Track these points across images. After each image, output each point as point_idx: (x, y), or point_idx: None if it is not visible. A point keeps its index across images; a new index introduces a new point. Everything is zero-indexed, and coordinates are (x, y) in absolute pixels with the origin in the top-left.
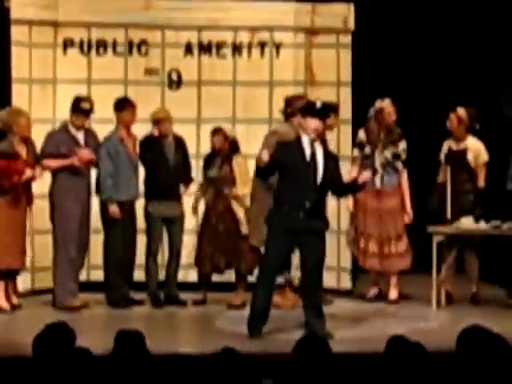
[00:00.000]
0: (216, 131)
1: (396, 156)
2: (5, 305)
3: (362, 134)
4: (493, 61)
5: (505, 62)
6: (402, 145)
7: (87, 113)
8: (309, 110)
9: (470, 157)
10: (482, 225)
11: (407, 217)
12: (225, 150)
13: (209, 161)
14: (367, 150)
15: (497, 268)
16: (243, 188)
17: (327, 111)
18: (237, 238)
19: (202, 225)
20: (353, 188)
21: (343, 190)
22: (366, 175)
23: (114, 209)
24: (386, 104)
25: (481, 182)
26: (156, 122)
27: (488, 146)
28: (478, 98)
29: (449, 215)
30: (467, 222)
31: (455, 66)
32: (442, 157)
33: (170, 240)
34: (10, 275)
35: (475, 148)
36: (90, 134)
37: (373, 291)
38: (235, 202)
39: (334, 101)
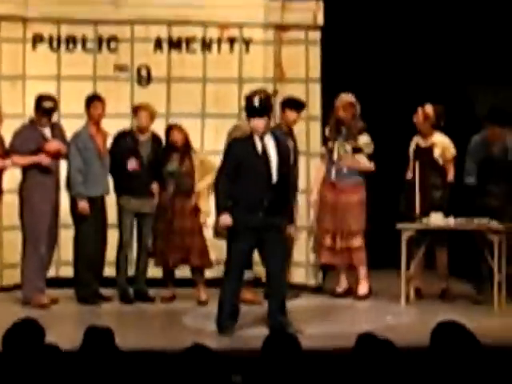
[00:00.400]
0: (175, 126)
1: (356, 150)
2: None
3: (326, 130)
4: (464, 55)
5: (476, 56)
6: (363, 139)
7: (49, 112)
8: (249, 109)
9: (436, 153)
10: (451, 220)
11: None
12: (183, 145)
13: (164, 156)
14: (330, 144)
15: (466, 264)
16: (203, 183)
17: (267, 108)
18: (191, 235)
19: (157, 220)
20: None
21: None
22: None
23: (83, 205)
24: (338, 99)
25: (450, 177)
26: (134, 110)
27: (459, 141)
28: (449, 93)
29: (418, 211)
30: (436, 218)
31: (426, 61)
32: (410, 153)
33: (139, 235)
34: None
35: (442, 144)
36: (56, 128)
37: (341, 287)
38: (197, 197)
39: (301, 97)
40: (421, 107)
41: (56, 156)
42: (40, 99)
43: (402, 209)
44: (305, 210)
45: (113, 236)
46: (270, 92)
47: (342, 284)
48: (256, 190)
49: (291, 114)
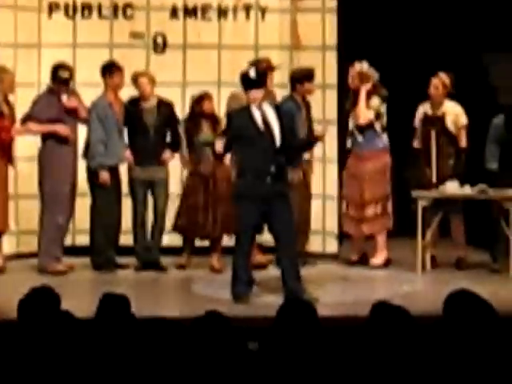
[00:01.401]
0: (206, 95)
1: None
2: None
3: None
4: (479, 22)
5: (490, 23)
6: (374, 101)
7: (66, 81)
8: (244, 81)
9: (448, 121)
10: (467, 189)
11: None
12: (213, 113)
13: (193, 125)
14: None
15: (482, 232)
16: None
17: (262, 78)
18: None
19: (192, 191)
20: (307, 143)
21: (301, 144)
22: (320, 130)
23: (104, 175)
24: (350, 67)
25: (462, 144)
26: (133, 80)
27: (473, 110)
28: (463, 61)
29: (434, 179)
30: (452, 187)
31: (441, 28)
32: (417, 122)
33: (154, 204)
34: None
35: (454, 112)
36: (73, 96)
37: (355, 255)
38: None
39: (317, 65)
40: (435, 77)
41: (73, 115)
42: (56, 69)
43: (408, 176)
44: (320, 177)
45: (127, 205)
46: (273, 63)
47: (357, 252)
48: (261, 158)
49: (310, 85)
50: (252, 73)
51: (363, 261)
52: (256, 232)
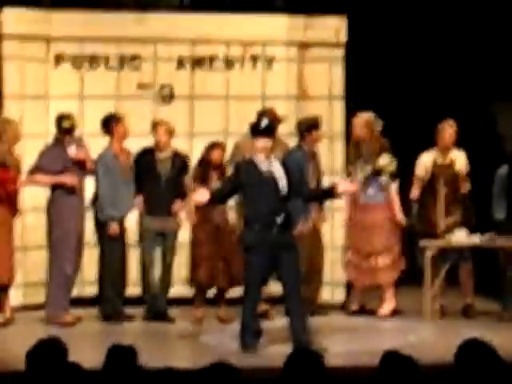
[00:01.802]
0: (217, 145)
1: (378, 171)
2: None
3: (342, 148)
4: (488, 71)
5: (500, 72)
6: (382, 159)
7: (69, 131)
8: (254, 130)
9: (457, 168)
10: (475, 238)
11: (399, 223)
12: (222, 163)
13: (203, 174)
14: (351, 166)
15: (491, 280)
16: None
17: (273, 129)
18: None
19: (205, 240)
20: (328, 193)
21: (314, 194)
22: (349, 186)
23: (114, 227)
24: (356, 117)
25: (465, 189)
26: (153, 127)
27: (480, 158)
28: (471, 109)
29: (442, 228)
30: (460, 235)
31: (449, 78)
32: (422, 171)
33: (162, 255)
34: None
35: (460, 159)
36: (80, 146)
37: (354, 305)
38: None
39: (324, 114)
40: (447, 125)
41: (81, 166)
42: (59, 119)
43: (417, 227)
44: (329, 228)
45: (135, 255)
46: (279, 114)
47: (356, 303)
48: (268, 208)
49: (317, 134)
50: (264, 122)
51: (363, 311)
52: (263, 283)
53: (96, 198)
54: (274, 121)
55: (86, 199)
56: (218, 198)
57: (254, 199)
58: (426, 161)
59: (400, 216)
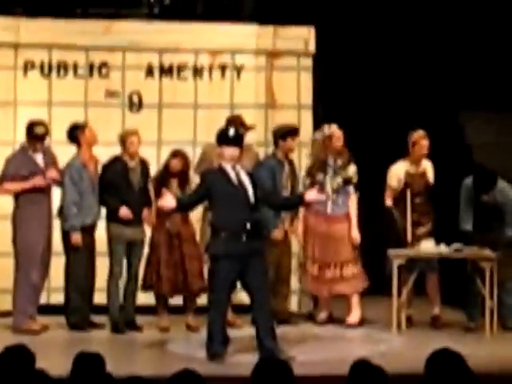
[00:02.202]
0: (177, 153)
1: (347, 181)
2: None
3: (309, 161)
4: (456, 80)
5: (467, 81)
6: (352, 168)
7: (41, 138)
8: (222, 138)
9: (430, 178)
10: (443, 248)
11: (354, 240)
12: (182, 171)
13: (163, 182)
14: (320, 176)
15: (457, 291)
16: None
17: (241, 137)
18: (198, 260)
19: (158, 246)
20: (296, 202)
21: (282, 203)
22: (316, 196)
23: (76, 237)
24: (334, 129)
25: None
26: (122, 138)
27: (448, 168)
28: (439, 119)
29: (409, 238)
30: (428, 245)
31: (416, 88)
32: (395, 181)
33: (128, 263)
34: None
35: (430, 169)
36: (48, 155)
37: (323, 314)
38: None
39: (294, 123)
40: (420, 136)
41: (50, 184)
42: (31, 125)
43: (388, 235)
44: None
45: (103, 264)
46: (247, 122)
47: (324, 312)
48: (236, 216)
49: (292, 143)
50: (231, 132)
51: (331, 320)
52: (230, 292)
53: (62, 207)
54: (243, 129)
55: (53, 207)
56: (185, 206)
57: (222, 208)
58: (398, 170)
59: (355, 232)
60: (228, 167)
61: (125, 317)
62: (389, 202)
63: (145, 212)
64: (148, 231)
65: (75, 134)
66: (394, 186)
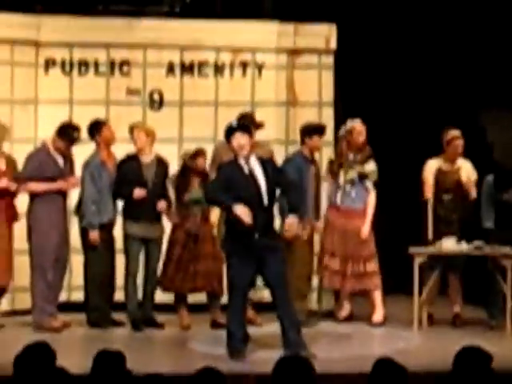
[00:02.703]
0: (202, 152)
1: (362, 176)
2: None
3: (332, 155)
4: (476, 80)
5: (488, 81)
6: (370, 165)
7: (75, 142)
8: (228, 132)
9: (463, 176)
10: (464, 245)
11: (362, 234)
12: (204, 170)
13: (185, 182)
14: (335, 168)
15: (479, 289)
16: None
17: (246, 126)
18: (216, 261)
19: (176, 244)
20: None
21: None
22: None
23: (94, 235)
24: (356, 124)
25: (472, 196)
26: (130, 131)
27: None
28: (460, 117)
29: (430, 236)
30: (449, 243)
31: (438, 86)
32: (427, 175)
33: (146, 261)
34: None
35: (466, 167)
36: (67, 156)
37: (344, 312)
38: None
39: (314, 121)
40: (455, 136)
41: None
42: (68, 128)
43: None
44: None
45: (121, 261)
46: (257, 119)
47: (345, 309)
48: (249, 211)
49: (318, 141)
50: (234, 122)
51: (349, 318)
52: (248, 289)
53: (80, 204)
54: (251, 123)
55: (69, 205)
56: (211, 196)
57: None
58: (431, 167)
59: (366, 228)
60: (242, 161)
61: (143, 314)
62: (428, 194)
63: (161, 203)
64: (168, 229)
65: (94, 130)
66: (429, 179)
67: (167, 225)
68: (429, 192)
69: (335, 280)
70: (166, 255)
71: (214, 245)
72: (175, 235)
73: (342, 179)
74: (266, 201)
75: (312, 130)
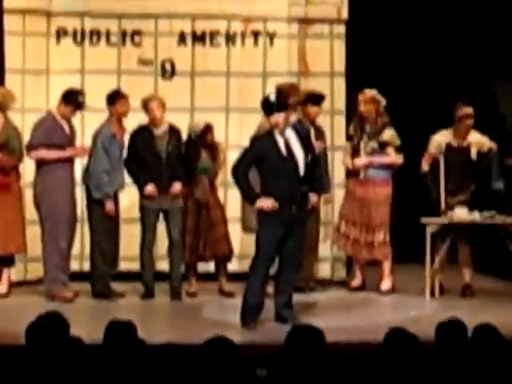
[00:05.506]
0: (208, 129)
1: (383, 144)
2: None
3: (350, 127)
4: (489, 51)
5: (501, 52)
6: (387, 132)
7: (82, 106)
8: (265, 107)
9: (473, 153)
10: (476, 215)
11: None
12: (213, 141)
13: (194, 152)
14: (355, 141)
15: (491, 258)
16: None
17: (283, 102)
18: (224, 225)
19: (184, 214)
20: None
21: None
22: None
23: (110, 206)
24: (360, 94)
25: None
26: (144, 105)
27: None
28: (473, 88)
29: (443, 206)
30: (461, 213)
31: (450, 56)
32: (435, 149)
33: (168, 233)
34: (5, 261)
35: (479, 142)
36: (71, 123)
37: (356, 281)
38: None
39: (325, 91)
40: (464, 108)
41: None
42: (74, 93)
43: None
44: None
45: (130, 230)
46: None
47: (358, 278)
48: (286, 185)
49: (312, 109)
50: (272, 97)
51: (361, 287)
52: (273, 259)
53: (87, 174)
54: (284, 94)
55: (76, 172)
56: (238, 169)
57: (272, 176)
58: (440, 140)
59: (360, 161)
60: (277, 135)
61: (170, 285)
62: (425, 167)
63: (176, 186)
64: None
65: (109, 101)
66: (432, 151)
67: None
68: (426, 163)
69: (351, 248)
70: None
71: (222, 210)
72: (186, 205)
73: (362, 152)
74: (302, 172)
75: (306, 99)
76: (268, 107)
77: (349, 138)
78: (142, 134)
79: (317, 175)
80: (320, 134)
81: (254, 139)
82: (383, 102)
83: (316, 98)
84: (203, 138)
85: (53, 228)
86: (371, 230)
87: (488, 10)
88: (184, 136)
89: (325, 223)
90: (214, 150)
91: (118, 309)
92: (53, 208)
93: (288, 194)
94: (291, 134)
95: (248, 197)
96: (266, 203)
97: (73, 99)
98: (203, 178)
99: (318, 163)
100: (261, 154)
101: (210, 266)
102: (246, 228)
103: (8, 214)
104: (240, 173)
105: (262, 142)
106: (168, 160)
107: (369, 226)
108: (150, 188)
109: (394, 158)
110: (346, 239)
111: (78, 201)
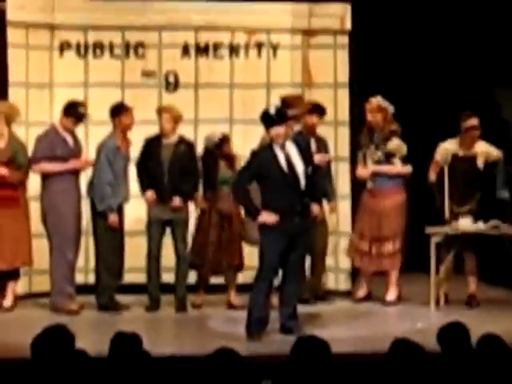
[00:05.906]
0: (225, 140)
1: (389, 155)
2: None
3: (361, 136)
4: (492, 59)
5: (504, 59)
6: (394, 142)
7: (83, 118)
8: (265, 120)
9: (479, 162)
10: (481, 225)
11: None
12: (230, 154)
13: (212, 163)
14: (364, 150)
15: (496, 268)
16: None
17: (283, 115)
18: (240, 238)
19: (207, 227)
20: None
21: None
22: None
23: (113, 218)
24: (367, 104)
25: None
26: (158, 113)
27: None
28: (475, 96)
29: (447, 216)
30: (466, 222)
31: (453, 65)
32: (440, 157)
33: (174, 246)
34: (11, 275)
35: (485, 151)
36: (75, 135)
37: (362, 292)
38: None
39: (329, 102)
40: (472, 124)
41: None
42: (75, 105)
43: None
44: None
45: (135, 242)
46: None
47: (363, 289)
48: (287, 198)
49: (310, 119)
50: (271, 110)
51: (366, 298)
52: (277, 271)
53: (92, 186)
54: (284, 107)
55: (81, 185)
56: (239, 184)
57: (272, 189)
58: (447, 149)
59: (364, 172)
60: (277, 148)
61: (176, 297)
62: (432, 176)
63: (176, 200)
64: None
65: (114, 114)
66: (437, 159)
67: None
68: (433, 172)
69: (360, 260)
70: (202, 238)
71: (242, 223)
72: (209, 218)
73: (369, 162)
74: (303, 184)
75: (306, 110)
76: (267, 120)
77: (359, 147)
78: (152, 143)
79: (317, 185)
80: (322, 145)
81: (254, 154)
82: (390, 108)
83: (315, 109)
84: (220, 149)
85: (60, 241)
86: (381, 241)
87: (490, 18)
88: (199, 148)
89: (330, 233)
90: (231, 160)
91: (122, 321)
92: (60, 222)
93: (289, 207)
94: (291, 147)
95: (250, 213)
96: (269, 219)
97: (74, 111)
98: (224, 188)
99: (318, 173)
100: (260, 171)
101: (216, 278)
102: (247, 240)
103: (16, 228)
104: (240, 190)
105: (262, 158)
106: (170, 171)
107: (379, 237)
108: (150, 194)
109: (399, 168)
110: (355, 251)
111: (83, 214)
